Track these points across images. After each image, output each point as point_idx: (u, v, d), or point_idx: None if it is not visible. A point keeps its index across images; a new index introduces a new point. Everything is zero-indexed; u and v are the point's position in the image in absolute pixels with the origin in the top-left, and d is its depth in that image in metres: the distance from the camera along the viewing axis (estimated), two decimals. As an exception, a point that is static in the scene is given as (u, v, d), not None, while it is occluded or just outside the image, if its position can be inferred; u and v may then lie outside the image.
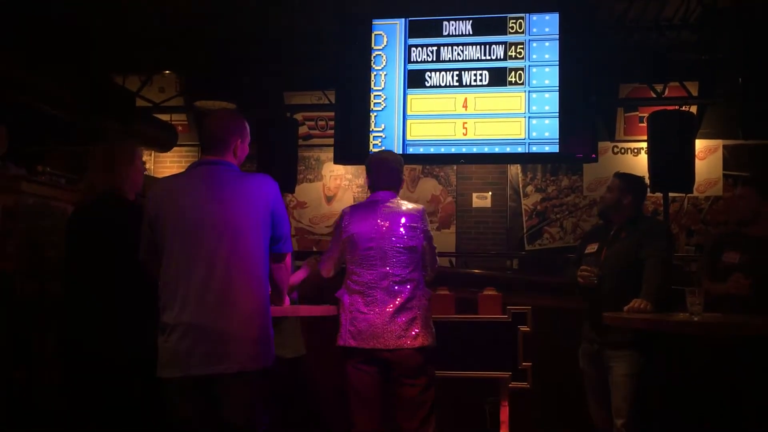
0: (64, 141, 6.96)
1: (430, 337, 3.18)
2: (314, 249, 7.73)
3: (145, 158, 8.21)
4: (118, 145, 3.23)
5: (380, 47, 5.65)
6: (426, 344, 3.15)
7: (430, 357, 3.20)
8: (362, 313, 3.13)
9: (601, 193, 3.92)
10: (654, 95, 6.61)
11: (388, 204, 3.26)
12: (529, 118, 5.39)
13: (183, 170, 2.81)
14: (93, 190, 3.08)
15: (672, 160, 5.70)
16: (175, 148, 8.37)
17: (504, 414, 3.86)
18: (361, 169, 7.90)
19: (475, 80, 5.50)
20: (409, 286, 3.17)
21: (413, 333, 3.11)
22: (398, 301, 3.13)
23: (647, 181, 5.79)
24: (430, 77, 5.57)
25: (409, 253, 3.20)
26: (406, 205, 3.30)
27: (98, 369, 2.88)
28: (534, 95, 5.40)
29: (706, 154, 7.59)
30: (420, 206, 3.33)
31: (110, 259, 2.93)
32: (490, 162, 7.25)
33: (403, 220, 3.22)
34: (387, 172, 3.35)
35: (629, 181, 3.68)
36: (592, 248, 3.64)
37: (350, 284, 3.21)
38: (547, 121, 5.36)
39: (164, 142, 8.15)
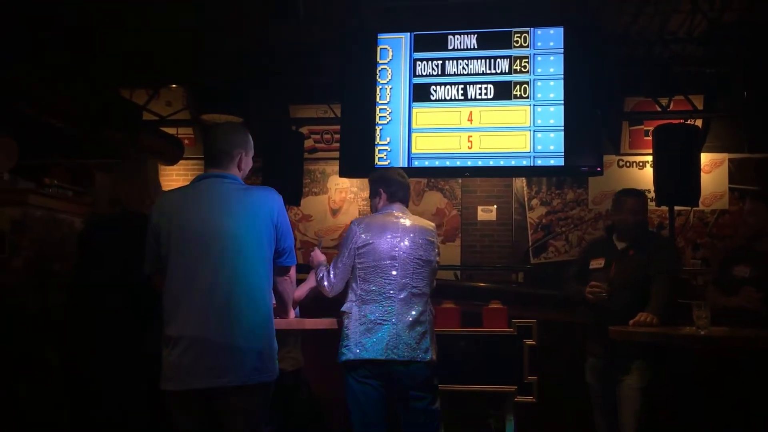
0: (70, 154, 6.99)
1: (436, 352, 3.21)
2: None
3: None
4: (146, 160, 3.25)
5: (385, 61, 5.67)
6: (434, 359, 3.17)
7: (436, 371, 3.22)
8: (378, 323, 3.10)
9: (607, 207, 3.91)
10: (659, 109, 6.60)
11: (407, 217, 3.31)
12: (534, 131, 5.39)
13: (188, 183, 2.82)
14: (117, 204, 3.09)
15: (677, 174, 5.69)
16: (181, 162, 8.39)
17: (510, 428, 3.84)
18: (366, 183, 7.89)
19: (480, 94, 5.51)
20: (423, 300, 3.20)
21: (425, 346, 3.13)
22: (414, 312, 3.14)
23: (653, 194, 5.81)
24: (436, 91, 5.57)
25: (427, 266, 3.23)
26: (421, 220, 3.36)
27: (100, 376, 2.88)
28: (539, 109, 5.40)
29: (712, 168, 7.57)
30: (432, 223, 3.41)
31: (130, 272, 2.89)
32: (495, 175, 7.26)
33: (423, 234, 3.27)
34: (406, 187, 3.43)
35: (645, 198, 3.70)
36: (598, 264, 3.63)
37: (363, 295, 3.16)
38: (552, 134, 5.36)
39: (170, 155, 8.17)
